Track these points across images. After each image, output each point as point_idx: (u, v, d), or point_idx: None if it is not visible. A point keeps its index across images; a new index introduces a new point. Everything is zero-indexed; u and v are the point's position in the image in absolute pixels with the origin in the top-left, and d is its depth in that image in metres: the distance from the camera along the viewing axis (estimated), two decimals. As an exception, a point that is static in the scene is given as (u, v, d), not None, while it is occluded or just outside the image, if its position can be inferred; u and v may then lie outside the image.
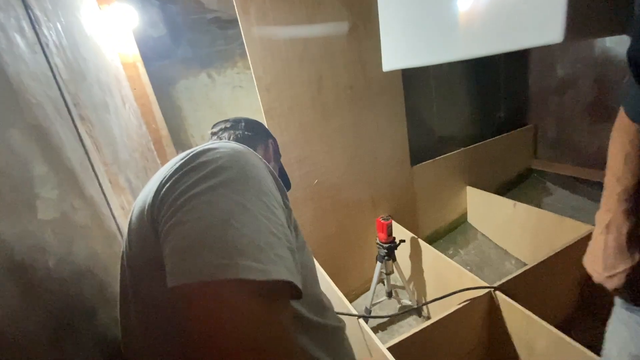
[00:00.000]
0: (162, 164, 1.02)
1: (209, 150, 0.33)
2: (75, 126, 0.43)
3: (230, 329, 0.25)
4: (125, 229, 0.37)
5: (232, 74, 2.01)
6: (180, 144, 1.90)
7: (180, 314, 0.27)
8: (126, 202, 0.55)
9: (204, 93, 1.97)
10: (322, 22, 1.26)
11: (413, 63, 0.86)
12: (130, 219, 0.34)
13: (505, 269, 1.71)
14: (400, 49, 0.90)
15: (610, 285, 0.48)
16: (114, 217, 0.48)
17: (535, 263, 1.13)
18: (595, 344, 0.99)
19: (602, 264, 0.49)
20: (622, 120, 0.48)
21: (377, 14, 0.93)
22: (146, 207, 0.32)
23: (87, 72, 0.57)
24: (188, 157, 0.33)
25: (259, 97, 1.21)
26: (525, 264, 1.68)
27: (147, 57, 0.95)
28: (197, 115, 1.98)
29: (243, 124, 0.75)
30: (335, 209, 1.49)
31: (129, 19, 0.97)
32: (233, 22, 1.87)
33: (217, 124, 0.76)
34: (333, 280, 1.15)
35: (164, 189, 0.31)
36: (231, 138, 0.70)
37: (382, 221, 1.37)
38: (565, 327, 1.30)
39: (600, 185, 1.71)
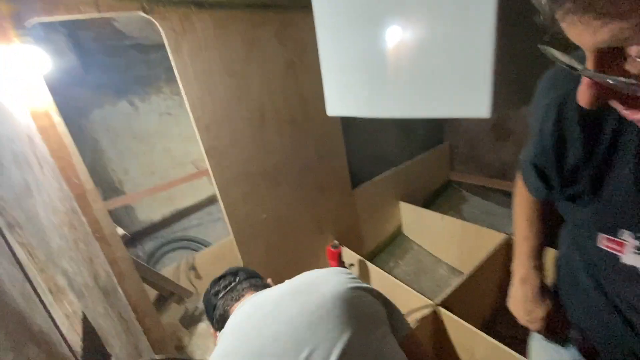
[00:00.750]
0: (90, 224, 0.89)
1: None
2: (8, 243, 0.35)
3: None
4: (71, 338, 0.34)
5: (157, 100, 1.85)
6: (99, 181, 1.67)
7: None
8: (68, 305, 0.46)
9: (125, 122, 1.77)
10: (260, 59, 1.25)
11: (355, 113, 0.91)
12: None
13: (439, 275, 1.91)
14: (343, 97, 0.94)
15: (532, 327, 0.59)
16: (65, 341, 0.40)
17: (467, 276, 1.28)
18: (516, 335, 1.18)
19: (523, 311, 0.60)
20: (522, 189, 0.57)
21: (314, 51, 0.96)
22: None
23: (2, 155, 0.46)
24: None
25: (198, 136, 1.15)
26: (454, 269, 1.90)
27: (54, 87, 0.81)
28: (119, 148, 1.77)
29: (243, 272, 0.72)
30: (285, 241, 1.48)
31: (38, 61, 0.82)
32: (156, 47, 1.73)
33: (217, 282, 0.69)
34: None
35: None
36: (259, 287, 0.67)
37: (333, 249, 1.40)
38: (491, 323, 1.52)
39: (504, 193, 2.00)
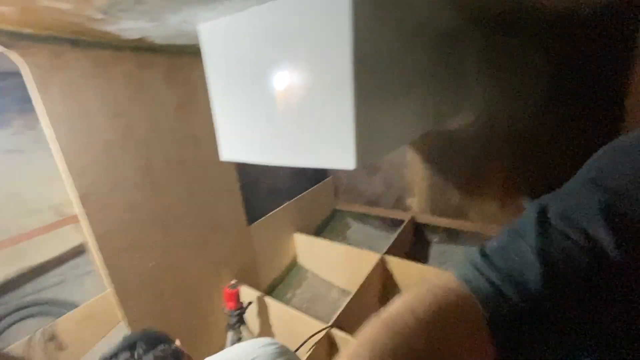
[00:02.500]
0: None
1: None
2: None
3: None
4: None
5: (5, 135, 1.52)
6: None
7: None
8: None
9: (-52, 163, 1.38)
10: (147, 100, 1.22)
11: (247, 159, 1.00)
12: None
13: (332, 298, 2.09)
14: (236, 143, 1.02)
15: None
16: None
17: (353, 295, 1.47)
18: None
19: None
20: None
21: (204, 93, 1.01)
22: None
23: None
24: None
25: (71, 181, 1.02)
26: (344, 290, 2.11)
27: None
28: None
29: (143, 342, 0.54)
30: (178, 289, 1.39)
31: None
32: (6, 74, 1.45)
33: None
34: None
35: None
36: None
37: (230, 290, 1.40)
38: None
39: (378, 218, 2.38)
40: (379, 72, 0.79)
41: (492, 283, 0.30)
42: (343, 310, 1.39)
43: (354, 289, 1.54)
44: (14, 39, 0.84)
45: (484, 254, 0.33)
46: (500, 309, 0.29)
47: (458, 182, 2.03)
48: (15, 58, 0.88)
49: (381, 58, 0.79)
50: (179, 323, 1.40)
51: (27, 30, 0.86)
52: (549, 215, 0.31)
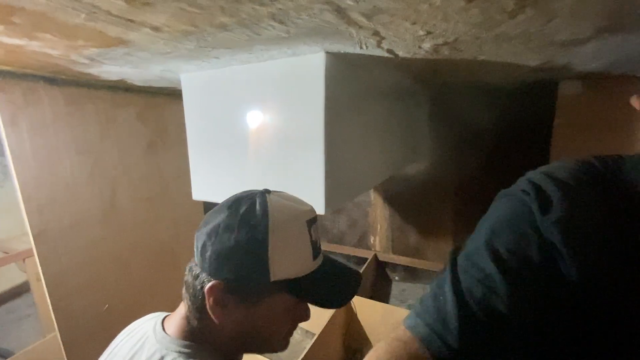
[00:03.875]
0: None
1: None
2: None
3: None
4: None
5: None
6: None
7: None
8: None
9: None
10: (117, 137, 1.23)
11: (219, 200, 1.03)
12: None
13: (295, 340, 2.04)
14: (208, 184, 1.05)
15: None
16: None
17: (317, 336, 1.47)
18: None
19: None
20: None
21: (176, 132, 1.04)
22: None
23: None
24: None
25: (25, 218, 0.97)
26: (307, 331, 2.08)
27: None
28: None
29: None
30: (130, 333, 1.30)
31: None
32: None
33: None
34: None
35: None
36: None
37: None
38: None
39: (343, 256, 2.42)
40: (345, 128, 0.90)
41: (428, 325, 0.35)
42: (307, 352, 1.38)
43: (317, 330, 1.54)
44: (-12, 75, 0.85)
45: (421, 300, 0.39)
46: (440, 350, 0.34)
47: (415, 223, 2.18)
48: (-14, 93, 0.87)
49: (346, 117, 0.91)
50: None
51: (3, 68, 0.87)
52: (458, 260, 0.39)
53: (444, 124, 1.91)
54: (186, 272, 0.48)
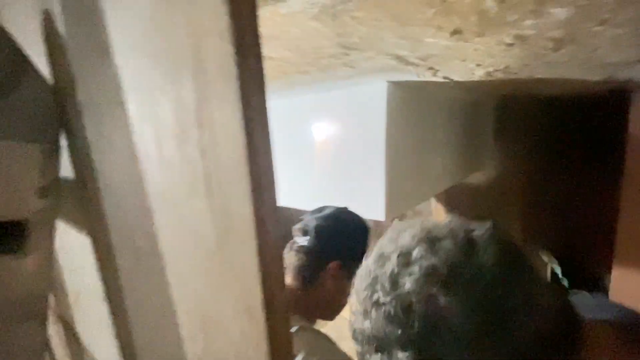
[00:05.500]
0: None
1: None
2: None
3: None
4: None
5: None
6: None
7: None
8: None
9: None
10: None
11: (289, 204, 1.22)
12: None
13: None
14: (285, 189, 1.24)
15: None
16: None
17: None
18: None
19: None
20: None
21: None
22: None
23: None
24: None
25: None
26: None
27: None
28: None
29: None
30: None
31: None
32: None
33: None
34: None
35: None
36: None
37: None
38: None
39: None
40: (405, 142, 1.01)
41: None
42: None
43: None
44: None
45: None
46: None
47: (480, 232, 2.13)
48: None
49: (407, 132, 1.02)
50: None
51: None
52: None
53: (509, 135, 1.87)
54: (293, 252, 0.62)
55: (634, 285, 1.30)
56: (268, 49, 0.59)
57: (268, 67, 0.71)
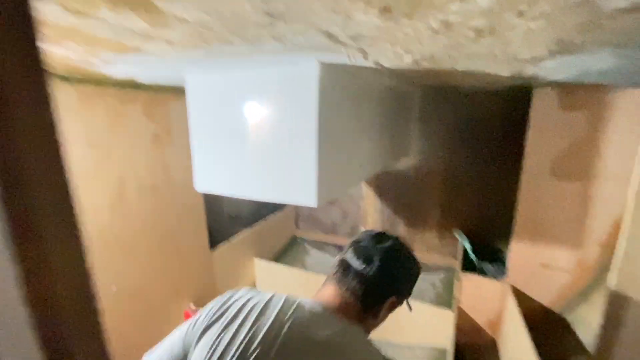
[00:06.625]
0: None
1: None
2: None
3: None
4: None
5: None
6: None
7: None
8: None
9: None
10: (125, 131, 1.31)
11: (221, 192, 1.13)
12: None
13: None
14: (211, 176, 1.14)
15: None
16: None
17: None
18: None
19: None
20: None
21: (180, 127, 1.11)
22: None
23: None
24: None
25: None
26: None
27: None
28: None
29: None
30: (139, 312, 1.41)
31: None
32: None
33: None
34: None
35: None
36: None
37: (191, 313, 1.44)
38: None
39: (335, 246, 2.54)
40: (337, 126, 1.00)
41: None
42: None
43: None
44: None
45: None
46: None
47: (404, 215, 2.30)
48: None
49: (338, 117, 1.00)
50: (142, 350, 1.41)
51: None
52: None
53: (433, 122, 2.02)
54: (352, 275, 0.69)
55: (526, 257, 1.55)
56: (181, 9, 0.50)
57: (183, 32, 0.61)
